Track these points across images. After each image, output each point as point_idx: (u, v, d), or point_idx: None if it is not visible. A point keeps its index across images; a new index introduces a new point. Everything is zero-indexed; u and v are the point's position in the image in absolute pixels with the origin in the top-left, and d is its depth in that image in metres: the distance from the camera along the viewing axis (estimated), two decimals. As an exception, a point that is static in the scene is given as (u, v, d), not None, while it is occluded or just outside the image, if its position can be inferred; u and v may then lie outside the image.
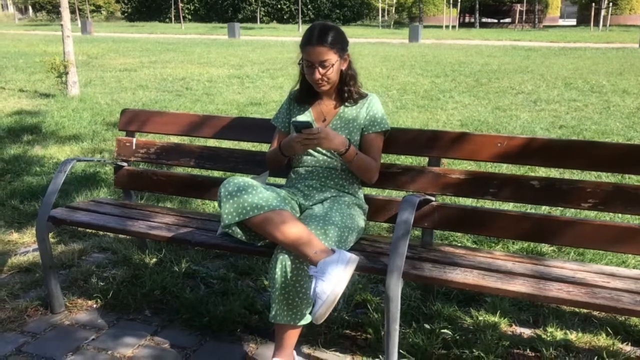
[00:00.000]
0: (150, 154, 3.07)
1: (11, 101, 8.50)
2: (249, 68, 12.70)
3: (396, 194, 3.44)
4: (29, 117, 7.14)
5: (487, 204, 3.12)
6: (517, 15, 33.78)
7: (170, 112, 3.09)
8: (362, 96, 2.49)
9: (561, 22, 41.43)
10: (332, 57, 2.33)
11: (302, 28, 28.81)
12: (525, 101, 8.34)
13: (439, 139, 2.52)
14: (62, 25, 8.11)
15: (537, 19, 33.26)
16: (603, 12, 29.08)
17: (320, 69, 2.35)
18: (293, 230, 2.05)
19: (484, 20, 35.92)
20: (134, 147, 3.09)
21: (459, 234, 3.34)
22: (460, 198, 3.64)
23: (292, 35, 25.33)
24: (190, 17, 41.33)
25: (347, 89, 2.44)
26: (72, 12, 39.80)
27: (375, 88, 9.63)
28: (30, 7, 49.61)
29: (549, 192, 2.32)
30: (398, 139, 2.55)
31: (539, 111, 7.57)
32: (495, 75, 11.14)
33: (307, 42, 2.34)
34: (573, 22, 39.11)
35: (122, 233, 2.64)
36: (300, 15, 30.31)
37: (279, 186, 2.54)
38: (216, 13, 41.09)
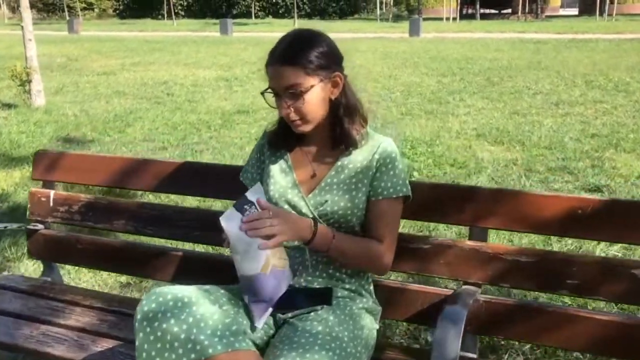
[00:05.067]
0: (74, 213, 2.20)
1: (-30, 113, 7.61)
2: (239, 69, 11.78)
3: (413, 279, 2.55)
4: (-18, 134, 6.26)
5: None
6: (519, 6, 32.81)
7: (101, 155, 2.27)
8: (370, 140, 1.62)
9: (562, 11, 40.48)
10: (304, 81, 1.49)
11: (298, 23, 27.89)
12: (546, 103, 7.44)
13: (482, 198, 1.68)
14: (22, 27, 7.21)
15: (539, 9, 32.28)
16: (608, 1, 28.15)
17: (287, 100, 1.51)
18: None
19: (483, 11, 34.97)
20: (51, 204, 2.23)
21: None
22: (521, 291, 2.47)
23: (287, 29, 24.38)
24: (183, 13, 40.27)
25: (338, 130, 1.57)
26: (62, 10, 38.93)
27: (376, 89, 8.73)
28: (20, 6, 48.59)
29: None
30: (418, 197, 1.68)
31: (563, 116, 6.69)
32: (507, 73, 10.22)
33: (269, 60, 1.53)
34: (574, 11, 38.12)
35: (10, 350, 1.79)
36: (295, 10, 29.28)
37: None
38: (210, 8, 40.05)
